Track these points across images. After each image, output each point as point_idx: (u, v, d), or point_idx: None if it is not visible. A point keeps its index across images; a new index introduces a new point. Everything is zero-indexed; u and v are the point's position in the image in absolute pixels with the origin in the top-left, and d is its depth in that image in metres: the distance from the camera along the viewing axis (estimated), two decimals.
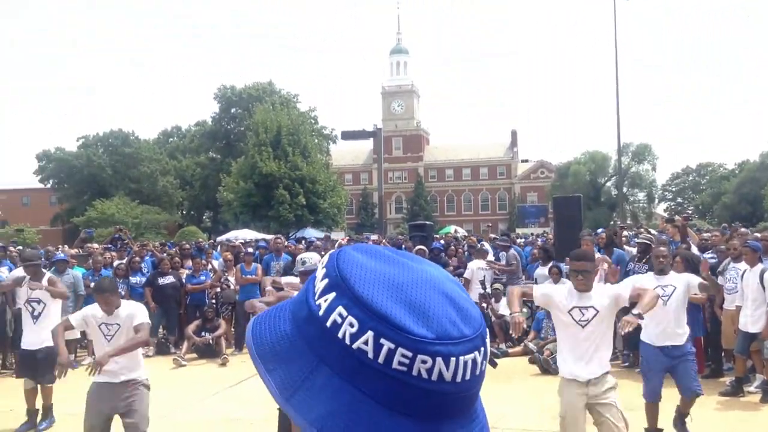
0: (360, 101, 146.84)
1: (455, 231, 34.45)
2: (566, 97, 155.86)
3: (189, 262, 12.55)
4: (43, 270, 7.59)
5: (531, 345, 9.84)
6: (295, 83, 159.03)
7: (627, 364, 9.28)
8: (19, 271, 9.47)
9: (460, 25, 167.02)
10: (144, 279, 11.70)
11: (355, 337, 0.64)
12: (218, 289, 11.97)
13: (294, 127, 44.15)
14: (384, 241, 14.32)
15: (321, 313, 0.66)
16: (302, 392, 0.66)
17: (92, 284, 10.61)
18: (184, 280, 11.85)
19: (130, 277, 11.56)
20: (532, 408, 7.23)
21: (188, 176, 63.60)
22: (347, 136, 22.01)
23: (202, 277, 11.93)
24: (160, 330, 11.60)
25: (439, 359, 0.63)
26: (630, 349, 9.37)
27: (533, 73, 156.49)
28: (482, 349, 0.67)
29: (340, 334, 0.64)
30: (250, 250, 12.97)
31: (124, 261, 12.20)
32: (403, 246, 13.76)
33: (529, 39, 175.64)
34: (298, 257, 5.37)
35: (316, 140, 53.76)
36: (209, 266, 12.58)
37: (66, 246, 16.90)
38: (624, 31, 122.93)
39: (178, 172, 63.48)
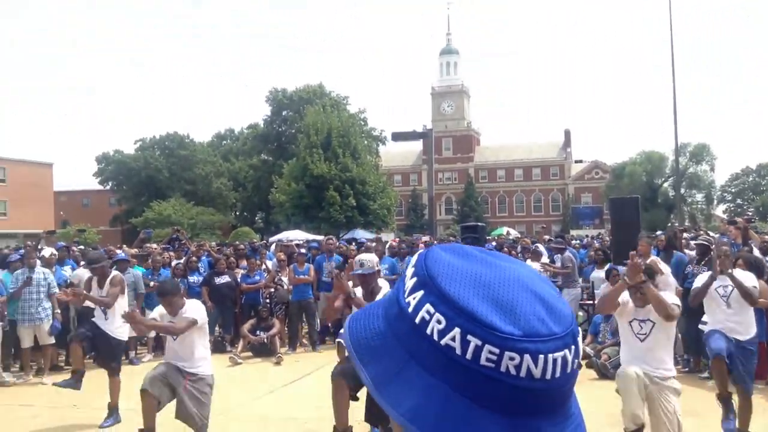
0: (409, 102, 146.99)
1: (507, 233, 34.09)
2: (621, 95, 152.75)
3: (244, 262, 12.76)
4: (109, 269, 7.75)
5: (588, 349, 9.66)
6: (344, 85, 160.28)
7: (687, 369, 9.03)
8: (83, 272, 9.83)
9: (512, 24, 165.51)
10: (201, 278, 11.95)
11: (442, 333, 0.66)
12: (272, 289, 12.14)
13: (344, 129, 44.51)
14: (435, 242, 14.27)
15: (410, 310, 0.69)
16: (394, 385, 0.68)
17: (152, 283, 10.94)
18: (239, 280, 12.07)
19: (188, 277, 11.83)
20: (590, 413, 7.06)
21: (241, 178, 64.76)
22: (398, 137, 22.07)
23: (257, 277, 12.12)
24: (217, 328, 11.83)
25: (527, 356, 0.64)
26: (691, 355, 9.13)
27: (587, 71, 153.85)
28: (573, 347, 0.68)
29: (428, 331, 0.67)
30: (303, 250, 13.12)
31: (181, 261, 12.50)
32: None
33: (581, 37, 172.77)
34: (357, 258, 5.41)
35: (366, 142, 54.05)
36: (263, 266, 12.78)
37: (125, 246, 17.39)
38: (680, 27, 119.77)
39: (232, 173, 64.71)
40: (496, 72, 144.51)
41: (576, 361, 0.68)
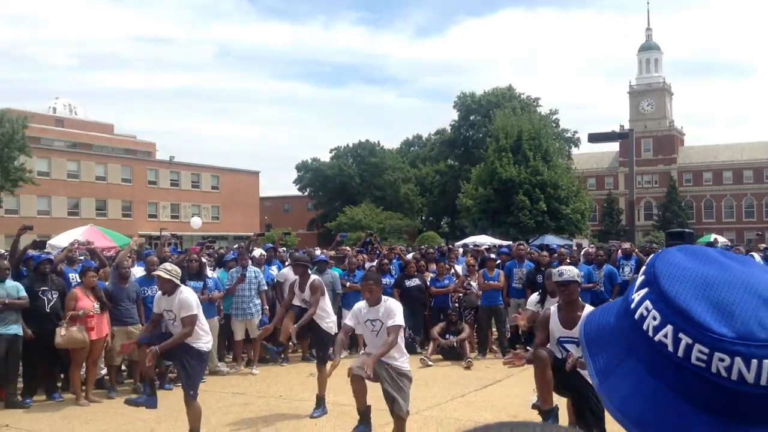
0: (604, 102, 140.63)
1: (715, 240, 31.14)
2: None
3: (433, 266, 12.90)
4: (309, 272, 8.19)
5: None
6: (535, 86, 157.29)
7: None
8: (288, 271, 10.52)
9: (720, 15, 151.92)
10: (393, 281, 12.27)
11: (656, 329, 0.69)
12: (461, 294, 12.13)
13: (535, 132, 43.45)
14: (636, 250, 13.34)
15: (632, 306, 0.73)
16: (613, 377, 0.73)
17: (348, 283, 11.49)
18: (428, 283, 12.21)
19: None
20: None
21: (428, 183, 66.00)
22: (595, 138, 21.04)
23: (446, 281, 12.19)
24: (407, 330, 12.06)
25: (738, 359, 0.64)
26: None
27: None
28: None
29: (644, 326, 0.70)
30: (493, 255, 12.97)
31: (374, 263, 12.94)
32: None
33: None
34: (555, 270, 5.34)
35: (558, 144, 52.38)
36: (452, 270, 12.82)
37: (323, 248, 18.39)
38: None
39: (419, 179, 66.22)
40: (702, 68, 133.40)
41: None
